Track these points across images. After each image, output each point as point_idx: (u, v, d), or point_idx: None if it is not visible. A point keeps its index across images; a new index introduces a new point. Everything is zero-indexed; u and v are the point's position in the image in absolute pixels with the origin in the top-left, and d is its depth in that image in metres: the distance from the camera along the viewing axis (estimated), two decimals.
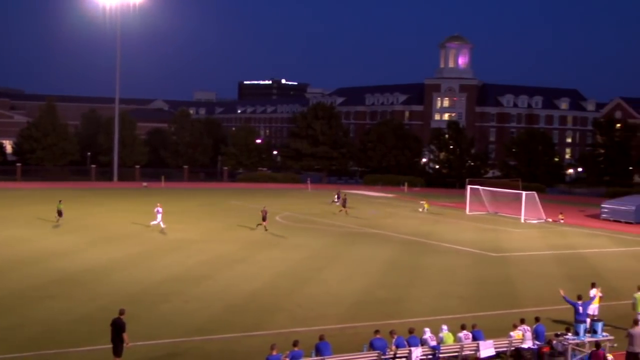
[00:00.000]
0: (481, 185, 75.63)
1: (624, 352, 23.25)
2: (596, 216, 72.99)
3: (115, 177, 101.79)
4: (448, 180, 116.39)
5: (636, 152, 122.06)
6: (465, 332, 24.12)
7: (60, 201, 54.45)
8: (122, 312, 22.26)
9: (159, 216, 52.42)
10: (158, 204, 53.50)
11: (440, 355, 23.23)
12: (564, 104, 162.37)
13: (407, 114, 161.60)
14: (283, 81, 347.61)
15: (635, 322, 24.52)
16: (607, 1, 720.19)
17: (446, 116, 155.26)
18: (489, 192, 74.66)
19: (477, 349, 23.60)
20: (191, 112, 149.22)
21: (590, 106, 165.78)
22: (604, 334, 25.29)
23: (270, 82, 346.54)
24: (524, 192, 69.36)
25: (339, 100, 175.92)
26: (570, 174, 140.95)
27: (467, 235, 56.15)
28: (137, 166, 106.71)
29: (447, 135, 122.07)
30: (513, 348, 24.17)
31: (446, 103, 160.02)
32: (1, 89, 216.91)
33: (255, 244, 47.58)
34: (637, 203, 70.40)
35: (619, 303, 32.19)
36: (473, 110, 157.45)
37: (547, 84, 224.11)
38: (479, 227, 62.15)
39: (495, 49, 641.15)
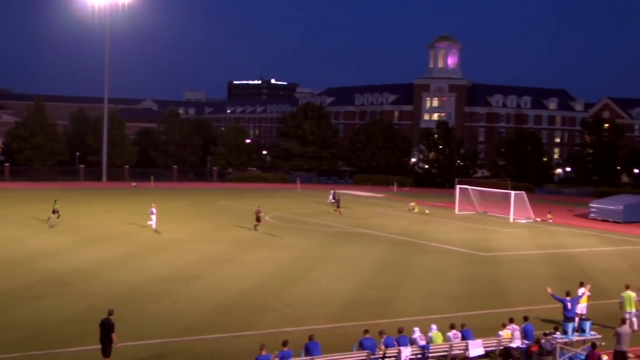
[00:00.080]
0: (470, 185, 75.85)
1: (612, 351, 23.38)
2: (584, 216, 73.30)
3: (104, 177, 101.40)
4: (437, 180, 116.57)
5: (624, 152, 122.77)
6: (454, 331, 24.20)
7: (55, 201, 54.31)
8: (111, 313, 22.23)
9: (154, 217, 52.35)
10: (153, 205, 53.45)
11: (430, 355, 23.30)
12: (552, 104, 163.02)
13: (396, 114, 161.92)
14: (272, 81, 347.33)
15: (623, 321, 24.71)
16: (595, 2, 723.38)
17: (435, 116, 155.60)
18: (478, 191, 74.87)
19: (466, 349, 23.68)
20: (180, 112, 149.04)
21: (579, 106, 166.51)
22: (592, 332, 25.46)
23: (259, 82, 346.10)
24: (512, 192, 69.61)
25: (329, 100, 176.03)
26: (558, 173, 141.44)
27: (457, 235, 56.28)
28: (126, 166, 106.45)
29: (436, 135, 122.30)
30: (502, 347, 24.27)
31: (435, 103, 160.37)
32: None
33: (244, 244, 47.55)
34: (624, 203, 70.76)
35: (606, 302, 32.33)
36: (462, 110, 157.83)
37: (536, 84, 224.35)
38: (468, 226, 62.31)
39: (485, 49, 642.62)
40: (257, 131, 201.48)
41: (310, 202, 78.91)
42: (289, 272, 38.50)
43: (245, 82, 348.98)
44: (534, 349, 23.95)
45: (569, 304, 26.50)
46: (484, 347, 23.98)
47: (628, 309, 28.25)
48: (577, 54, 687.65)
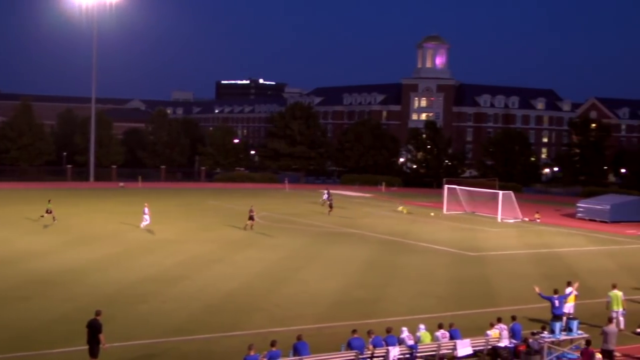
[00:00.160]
0: (458, 185, 75.91)
1: (599, 350, 23.50)
2: (572, 215, 73.60)
3: (92, 177, 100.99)
4: (425, 180, 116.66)
5: (611, 151, 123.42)
6: (442, 331, 24.24)
7: (49, 201, 54.08)
8: (98, 313, 22.12)
9: (147, 217, 52.17)
10: (145, 204, 53.27)
11: (418, 355, 23.32)
12: (540, 104, 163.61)
13: (384, 113, 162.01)
14: (261, 81, 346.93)
15: (610, 320, 24.83)
16: (582, 3, 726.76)
17: (423, 116, 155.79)
18: (466, 191, 74.97)
19: (455, 348, 23.73)
20: (168, 111, 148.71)
21: (566, 106, 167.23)
22: (579, 332, 25.56)
23: (248, 81, 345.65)
24: (500, 192, 69.77)
25: (317, 100, 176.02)
26: (546, 173, 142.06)
27: (445, 235, 56.39)
28: (114, 166, 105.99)
29: (424, 135, 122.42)
30: (490, 347, 24.33)
31: (423, 103, 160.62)
32: None
33: (233, 244, 47.49)
34: (611, 202, 71.12)
35: (593, 301, 32.47)
36: (450, 110, 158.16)
37: (524, 85, 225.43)
38: (456, 226, 62.44)
39: (473, 50, 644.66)
40: (245, 131, 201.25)
41: (298, 202, 78.85)
42: (278, 272, 38.47)
43: (233, 81, 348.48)
44: (522, 348, 24.04)
45: (556, 302, 26.65)
46: (472, 347, 24.03)
47: (615, 308, 28.43)
48: (564, 54, 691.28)
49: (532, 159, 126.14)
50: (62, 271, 36.35)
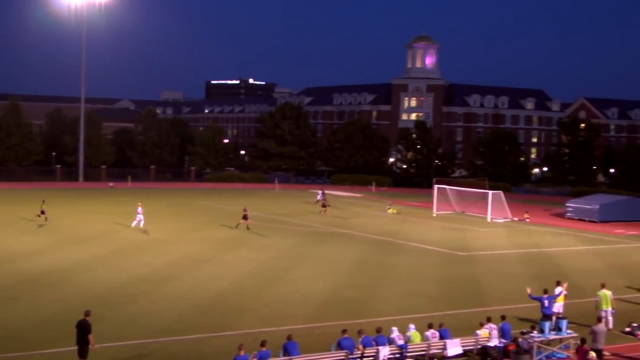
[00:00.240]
0: (448, 185, 75.99)
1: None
2: (561, 215, 73.85)
3: (81, 178, 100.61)
4: (415, 179, 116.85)
5: (600, 151, 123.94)
6: (432, 330, 24.29)
7: (43, 201, 53.83)
8: (87, 314, 22.04)
9: (140, 216, 51.95)
10: (139, 204, 53.02)
11: (408, 354, 23.36)
12: (529, 104, 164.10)
13: (374, 113, 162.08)
14: (251, 81, 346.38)
15: (599, 319, 24.96)
16: (572, 2, 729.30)
17: (413, 116, 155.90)
18: (456, 191, 75.05)
19: (444, 348, 23.78)
20: (158, 111, 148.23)
21: (555, 106, 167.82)
22: (569, 331, 25.68)
23: (237, 81, 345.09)
24: (490, 192, 69.90)
25: (307, 100, 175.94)
26: (535, 173, 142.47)
27: (435, 235, 56.47)
28: (103, 166, 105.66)
29: (414, 135, 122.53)
30: (480, 346, 24.39)
31: (413, 103, 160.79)
32: None
33: (223, 244, 47.43)
34: (600, 202, 71.41)
35: (583, 301, 32.57)
36: (440, 110, 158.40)
37: (513, 85, 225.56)
38: (446, 226, 62.54)
39: (462, 49, 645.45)
40: (235, 131, 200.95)
41: (289, 202, 78.82)
42: (268, 272, 38.45)
43: (223, 81, 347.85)
44: (512, 347, 24.11)
45: (546, 302, 26.77)
46: (462, 346, 24.09)
47: (604, 307, 28.53)
48: (553, 54, 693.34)
49: (522, 158, 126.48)
50: (51, 271, 36.21)
